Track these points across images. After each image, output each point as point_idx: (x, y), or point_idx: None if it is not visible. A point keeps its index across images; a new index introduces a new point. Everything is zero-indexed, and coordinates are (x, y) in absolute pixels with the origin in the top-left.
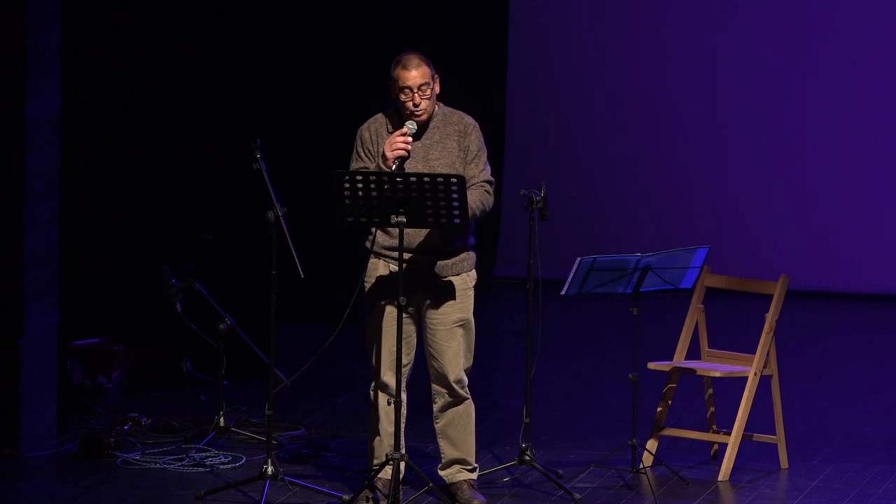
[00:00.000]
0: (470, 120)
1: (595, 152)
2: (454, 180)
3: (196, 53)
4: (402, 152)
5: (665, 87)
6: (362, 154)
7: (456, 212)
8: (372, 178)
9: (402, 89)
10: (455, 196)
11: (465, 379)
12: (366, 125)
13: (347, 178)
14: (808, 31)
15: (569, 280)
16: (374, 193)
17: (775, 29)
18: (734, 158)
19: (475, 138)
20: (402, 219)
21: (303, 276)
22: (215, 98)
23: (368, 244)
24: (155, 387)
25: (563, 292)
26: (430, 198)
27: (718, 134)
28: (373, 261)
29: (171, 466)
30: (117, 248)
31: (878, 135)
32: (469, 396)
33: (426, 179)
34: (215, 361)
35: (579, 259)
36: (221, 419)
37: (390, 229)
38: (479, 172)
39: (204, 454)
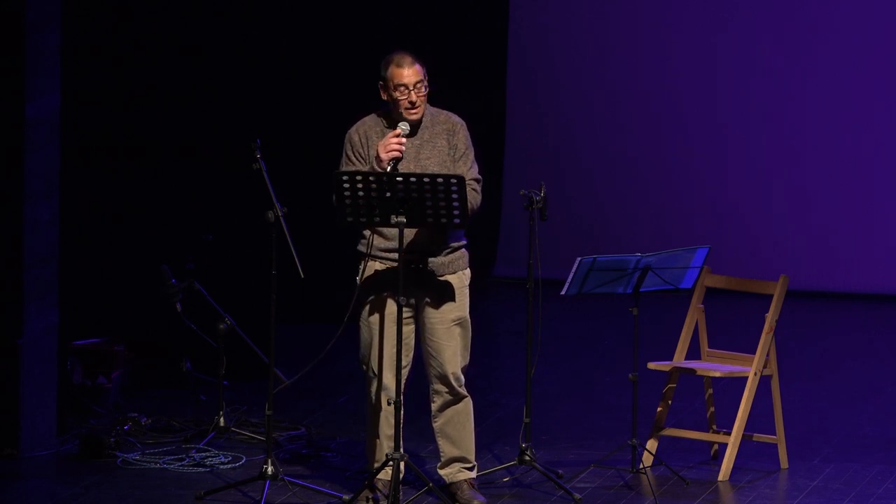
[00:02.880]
0: (457, 118)
1: (595, 152)
2: (454, 180)
3: (196, 53)
4: (397, 153)
5: (665, 87)
6: (353, 158)
7: (456, 212)
8: (372, 178)
9: (397, 87)
10: (455, 196)
11: (463, 377)
12: (354, 128)
13: (347, 178)
14: (808, 31)
15: (569, 280)
16: (374, 193)
17: (775, 29)
18: (734, 158)
19: (463, 136)
20: (402, 219)
21: (303, 276)
22: (215, 98)
23: (363, 248)
24: (155, 387)
25: (563, 292)
26: (430, 198)
27: (718, 134)
28: (369, 264)
29: (171, 466)
30: (117, 248)
31: (878, 135)
32: (467, 394)
33: (426, 180)
34: (215, 361)
35: (579, 259)
36: (221, 419)
37: (385, 231)
38: (467, 171)
39: (204, 454)
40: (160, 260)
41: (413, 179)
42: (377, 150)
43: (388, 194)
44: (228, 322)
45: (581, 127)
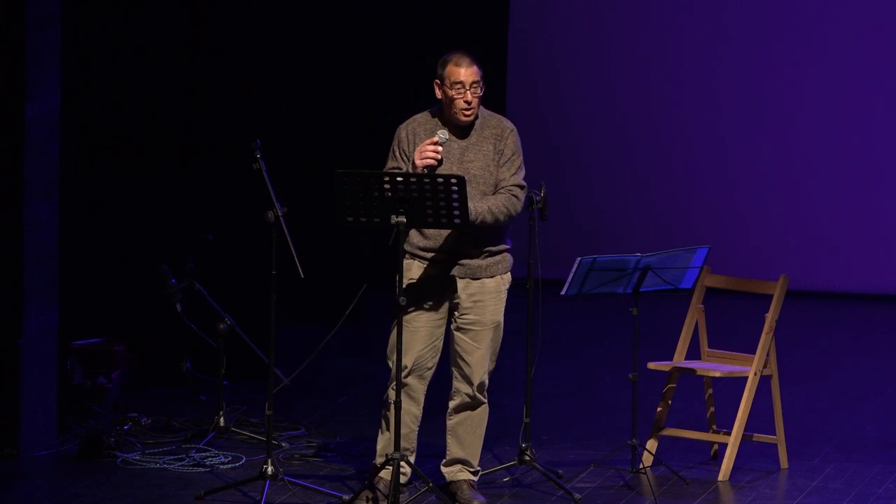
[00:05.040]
0: (508, 124)
1: (595, 152)
2: (454, 181)
3: (196, 53)
4: (432, 161)
5: (665, 88)
6: (397, 154)
7: (456, 212)
8: (372, 178)
9: (453, 84)
10: (455, 196)
11: (487, 383)
12: (404, 124)
13: (347, 177)
14: (809, 30)
15: (569, 280)
16: (374, 193)
17: (776, 29)
18: (734, 159)
19: (511, 142)
20: (402, 219)
21: (303, 276)
22: (215, 98)
23: (406, 245)
24: (155, 387)
25: (563, 292)
26: (430, 198)
27: (718, 134)
28: (406, 261)
29: (171, 466)
30: (117, 248)
31: (878, 135)
32: (486, 401)
33: (426, 180)
34: (215, 361)
35: (579, 259)
36: (221, 419)
37: (424, 229)
38: (509, 176)
39: (204, 454)
40: (160, 260)
41: (413, 179)
42: (413, 156)
43: (389, 194)
44: (228, 322)
45: (581, 127)
